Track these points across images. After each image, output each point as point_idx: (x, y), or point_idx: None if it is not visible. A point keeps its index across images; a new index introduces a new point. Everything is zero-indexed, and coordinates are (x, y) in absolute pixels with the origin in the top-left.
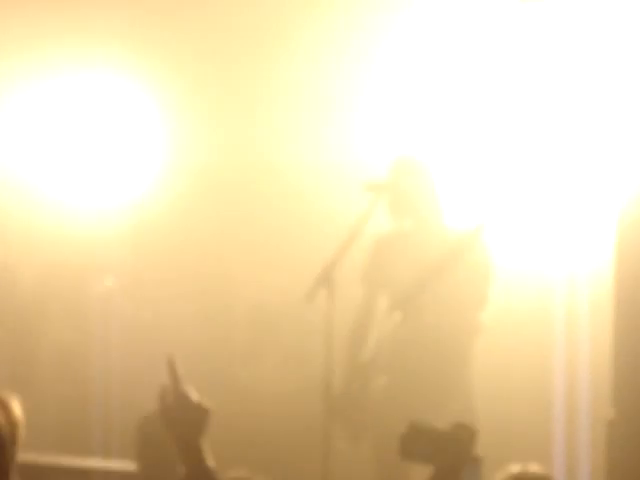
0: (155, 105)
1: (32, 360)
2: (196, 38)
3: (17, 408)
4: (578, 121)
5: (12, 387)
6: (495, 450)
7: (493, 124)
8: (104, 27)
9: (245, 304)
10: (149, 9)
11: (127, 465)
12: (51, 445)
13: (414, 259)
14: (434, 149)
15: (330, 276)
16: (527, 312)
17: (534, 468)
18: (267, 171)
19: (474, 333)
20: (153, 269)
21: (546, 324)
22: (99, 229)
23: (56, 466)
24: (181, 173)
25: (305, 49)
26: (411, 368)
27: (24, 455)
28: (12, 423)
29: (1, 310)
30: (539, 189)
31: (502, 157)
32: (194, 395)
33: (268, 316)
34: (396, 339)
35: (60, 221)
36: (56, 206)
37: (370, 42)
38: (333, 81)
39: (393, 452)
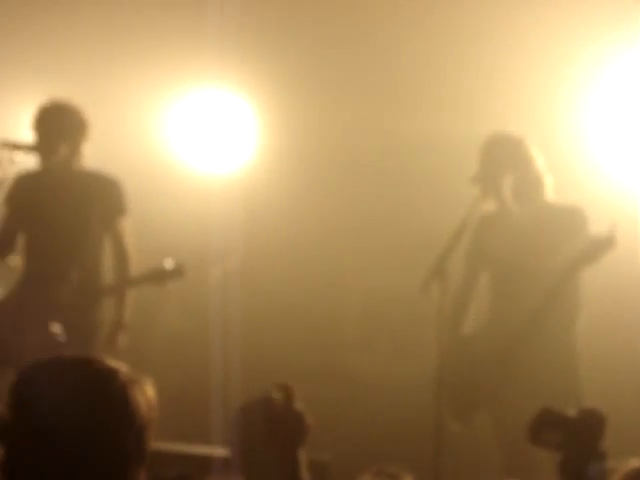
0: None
1: (147, 348)
2: (320, 20)
3: (152, 390)
4: None
5: None
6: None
7: None
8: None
9: (357, 294)
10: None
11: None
12: (166, 434)
13: (514, 240)
14: None
15: (443, 267)
16: None
17: None
18: (378, 163)
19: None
20: (265, 258)
21: None
22: (213, 216)
23: (170, 452)
24: (294, 160)
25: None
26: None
27: None
28: (150, 405)
29: None
30: None
31: None
32: (301, 409)
33: (380, 306)
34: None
35: (174, 207)
36: (171, 193)
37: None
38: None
39: (515, 432)
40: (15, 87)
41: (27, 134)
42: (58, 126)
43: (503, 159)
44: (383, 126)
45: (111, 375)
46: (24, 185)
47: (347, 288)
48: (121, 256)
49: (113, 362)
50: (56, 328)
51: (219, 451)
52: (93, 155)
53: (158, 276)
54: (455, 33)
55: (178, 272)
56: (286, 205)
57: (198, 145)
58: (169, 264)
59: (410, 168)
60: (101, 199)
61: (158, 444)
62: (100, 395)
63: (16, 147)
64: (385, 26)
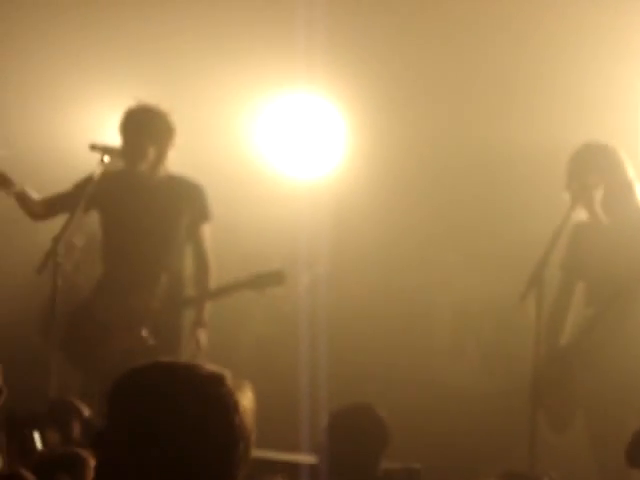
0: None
1: (235, 354)
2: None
3: (252, 395)
4: None
5: None
6: None
7: None
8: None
9: (447, 302)
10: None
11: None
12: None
13: (607, 249)
14: None
15: (540, 276)
16: None
17: None
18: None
19: None
20: (353, 263)
21: None
22: (301, 221)
23: (257, 459)
24: (383, 165)
25: None
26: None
27: None
28: (252, 410)
29: None
30: None
31: None
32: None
33: (470, 314)
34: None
35: (263, 212)
36: (260, 198)
37: None
38: None
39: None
40: (105, 91)
41: (115, 138)
42: (146, 130)
43: (595, 168)
44: (474, 132)
45: (218, 381)
46: (111, 187)
47: (437, 296)
48: (202, 262)
49: (215, 367)
50: (145, 333)
51: (306, 458)
52: (181, 160)
53: (259, 282)
54: (548, 42)
55: (278, 278)
56: (375, 210)
57: (287, 150)
58: (269, 270)
59: (502, 176)
60: (188, 204)
61: None
62: (209, 401)
63: (105, 151)
64: (477, 33)
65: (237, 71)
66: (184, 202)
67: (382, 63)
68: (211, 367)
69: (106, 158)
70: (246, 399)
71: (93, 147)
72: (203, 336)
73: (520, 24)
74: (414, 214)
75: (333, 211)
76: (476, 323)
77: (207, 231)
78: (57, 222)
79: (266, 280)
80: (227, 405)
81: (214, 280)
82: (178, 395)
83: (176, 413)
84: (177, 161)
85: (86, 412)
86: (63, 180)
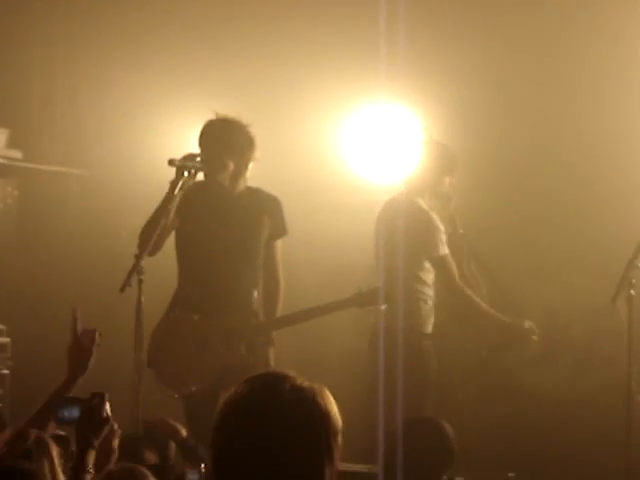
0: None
1: (321, 367)
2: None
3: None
4: None
5: None
6: None
7: None
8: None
9: (537, 306)
10: None
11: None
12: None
13: None
14: None
15: (630, 277)
16: None
17: None
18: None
19: None
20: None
21: None
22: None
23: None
24: (462, 172)
25: None
26: None
27: None
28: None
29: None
30: None
31: None
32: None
33: (561, 318)
34: None
35: (348, 221)
36: (349, 207)
37: None
38: None
39: None
40: (184, 106)
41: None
42: (225, 142)
43: None
44: (555, 140)
45: (309, 388)
46: (191, 199)
47: (526, 300)
48: (274, 278)
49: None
50: (244, 350)
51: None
52: (265, 173)
53: (359, 301)
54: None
55: (378, 296)
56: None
57: (372, 159)
58: (369, 288)
59: (589, 177)
60: (269, 218)
61: None
62: (312, 413)
63: (183, 166)
64: (562, 42)
65: (320, 83)
66: (265, 215)
67: (460, 71)
68: (302, 378)
69: (185, 173)
70: (331, 402)
71: (171, 162)
72: (272, 356)
73: (607, 31)
74: (495, 217)
75: None
76: (567, 327)
77: (280, 246)
78: (135, 240)
79: (367, 299)
80: (320, 410)
81: (283, 297)
82: (286, 410)
83: (286, 426)
84: (262, 174)
85: (182, 432)
86: (143, 198)
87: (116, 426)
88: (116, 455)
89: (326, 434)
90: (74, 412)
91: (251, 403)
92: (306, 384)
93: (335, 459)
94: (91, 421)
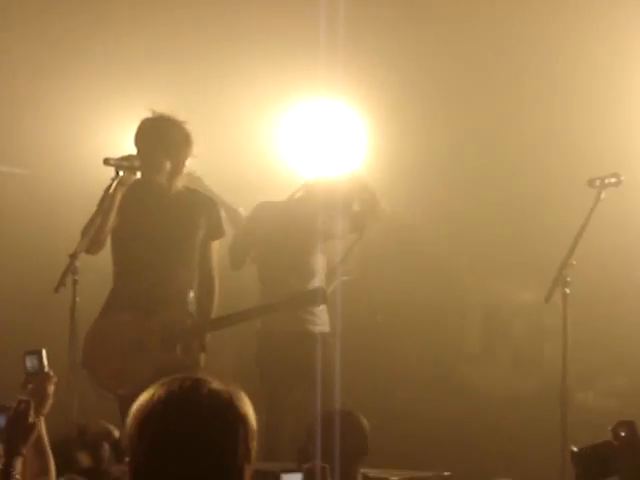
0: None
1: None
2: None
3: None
4: None
5: None
6: None
7: None
8: None
9: (477, 305)
10: None
11: None
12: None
13: None
14: None
15: (564, 276)
16: None
17: None
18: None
19: None
20: (378, 268)
21: None
22: None
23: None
24: (404, 168)
25: None
26: None
27: None
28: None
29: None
30: None
31: None
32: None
33: (501, 317)
34: None
35: None
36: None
37: None
38: None
39: None
40: (121, 104)
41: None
42: (161, 140)
43: None
44: (492, 133)
45: (226, 391)
46: (126, 199)
47: (467, 299)
48: (208, 280)
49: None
50: (180, 351)
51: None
52: (203, 167)
53: (299, 302)
54: (565, 45)
55: (318, 297)
56: (398, 213)
57: (308, 154)
58: (309, 290)
59: (526, 176)
60: (205, 219)
61: None
62: (225, 410)
63: (119, 165)
64: (496, 37)
65: (258, 78)
66: (201, 216)
67: (401, 67)
68: (217, 381)
69: (121, 173)
70: (249, 406)
71: (107, 162)
72: (203, 360)
73: (533, 28)
74: (436, 216)
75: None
76: (507, 326)
77: (216, 248)
78: (74, 238)
79: (305, 300)
80: (242, 415)
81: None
82: (205, 414)
83: (206, 430)
84: (198, 169)
85: (116, 433)
86: (80, 196)
87: (52, 373)
88: (51, 402)
89: (245, 436)
90: (0, 420)
91: (168, 408)
92: (222, 387)
93: (252, 460)
94: (18, 428)
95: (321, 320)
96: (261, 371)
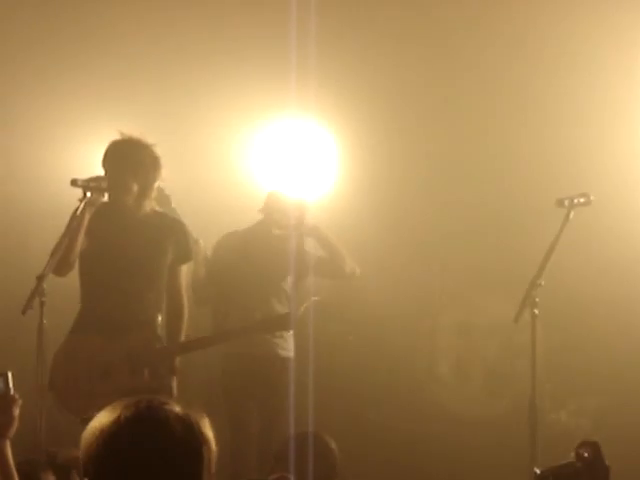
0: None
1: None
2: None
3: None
4: None
5: None
6: None
7: None
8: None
9: (449, 326)
10: None
11: None
12: None
13: None
14: None
15: (532, 296)
16: None
17: None
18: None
19: None
20: (351, 287)
21: None
22: None
23: None
24: (375, 188)
25: None
26: None
27: None
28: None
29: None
30: None
31: None
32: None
33: (474, 336)
34: None
35: None
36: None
37: None
38: None
39: None
40: (92, 125)
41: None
42: (129, 163)
43: None
44: (464, 151)
45: (187, 416)
46: (94, 221)
47: (438, 319)
48: (177, 303)
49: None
50: (147, 375)
51: None
52: (176, 187)
53: (267, 327)
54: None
55: (286, 322)
56: (370, 231)
57: (281, 174)
58: (278, 314)
59: (498, 194)
60: (173, 242)
61: None
62: (189, 435)
63: (86, 187)
64: (467, 53)
65: (229, 97)
66: (169, 240)
67: (371, 86)
68: (179, 405)
69: (88, 194)
70: (209, 429)
71: (74, 183)
72: (175, 385)
73: (504, 50)
74: (407, 236)
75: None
76: (479, 344)
77: (184, 272)
78: (44, 259)
79: (276, 324)
80: (196, 435)
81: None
82: (169, 438)
83: (169, 454)
84: (170, 187)
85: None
86: (51, 217)
87: (17, 395)
88: (17, 424)
89: (208, 460)
90: None
91: (131, 432)
92: (186, 411)
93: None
94: None
95: (289, 345)
96: (226, 392)
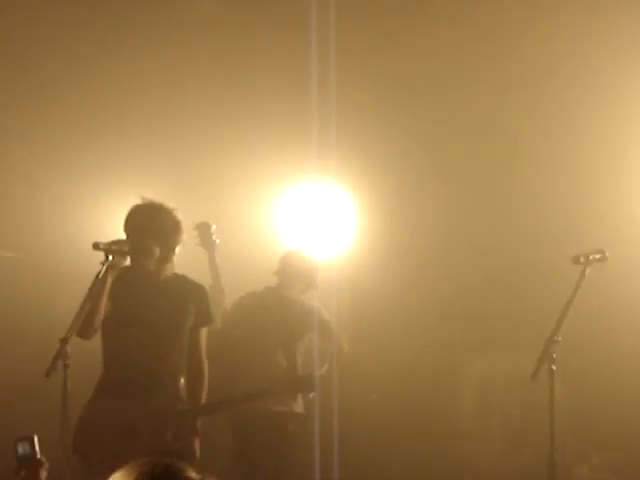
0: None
1: None
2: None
3: None
4: None
5: None
6: None
7: None
8: None
9: (471, 382)
10: None
11: None
12: None
13: None
14: None
15: (550, 353)
16: None
17: None
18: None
19: None
20: (372, 342)
21: None
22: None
23: None
24: (394, 247)
25: None
26: None
27: None
28: None
29: None
30: None
31: None
32: None
33: (494, 394)
34: None
35: None
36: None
37: None
38: None
39: None
40: (115, 191)
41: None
42: (150, 227)
43: None
44: (483, 213)
45: None
46: (116, 285)
47: (460, 375)
48: (198, 366)
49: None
50: (170, 436)
51: None
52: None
53: (294, 388)
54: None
55: (311, 384)
56: (386, 290)
57: (304, 234)
58: (301, 375)
59: (512, 254)
60: (194, 306)
61: None
62: None
63: (108, 250)
64: (482, 114)
65: (254, 164)
66: (190, 303)
67: (388, 150)
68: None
69: (110, 257)
70: None
71: (96, 246)
72: (198, 446)
73: (527, 99)
74: (427, 292)
75: (351, 290)
76: (500, 402)
77: (205, 334)
78: (66, 323)
79: (300, 386)
80: None
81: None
82: None
83: None
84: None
85: None
86: (75, 280)
87: (44, 459)
88: None
89: None
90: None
91: None
92: (200, 477)
93: None
94: None
95: (299, 402)
96: (240, 449)
